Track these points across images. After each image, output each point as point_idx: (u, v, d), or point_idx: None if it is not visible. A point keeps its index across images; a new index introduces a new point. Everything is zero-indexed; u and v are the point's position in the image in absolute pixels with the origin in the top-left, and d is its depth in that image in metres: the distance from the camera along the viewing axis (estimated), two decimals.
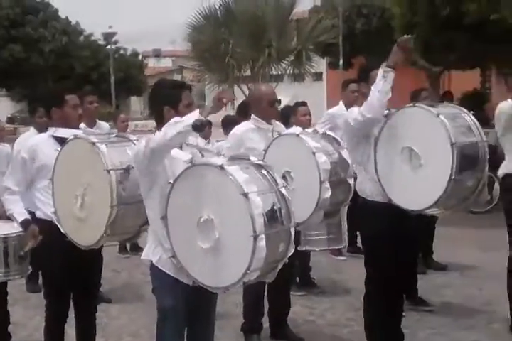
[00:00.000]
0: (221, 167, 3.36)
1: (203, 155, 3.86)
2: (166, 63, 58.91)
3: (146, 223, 4.01)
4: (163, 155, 3.63)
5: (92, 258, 4.54)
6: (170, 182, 3.58)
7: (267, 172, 3.57)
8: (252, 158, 3.65)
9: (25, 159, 4.57)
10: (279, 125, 5.44)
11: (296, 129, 5.08)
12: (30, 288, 7.07)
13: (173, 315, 3.80)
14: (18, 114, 44.24)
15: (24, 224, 4.54)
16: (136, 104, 49.12)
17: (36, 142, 4.68)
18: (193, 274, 3.58)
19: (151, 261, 3.83)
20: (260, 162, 3.65)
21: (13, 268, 4.93)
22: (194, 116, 3.52)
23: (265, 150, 5.01)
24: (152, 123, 20.92)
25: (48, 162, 4.43)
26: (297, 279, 6.70)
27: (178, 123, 3.51)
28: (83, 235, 4.18)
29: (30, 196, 4.66)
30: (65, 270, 4.50)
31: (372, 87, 4.37)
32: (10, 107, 41.75)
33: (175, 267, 3.69)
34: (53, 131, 4.63)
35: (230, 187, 3.31)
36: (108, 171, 3.87)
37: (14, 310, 5.68)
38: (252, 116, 5.38)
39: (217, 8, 19.82)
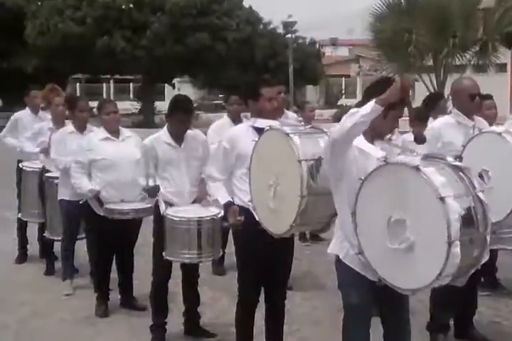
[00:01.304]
0: (417, 168, 3.27)
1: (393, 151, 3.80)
2: (343, 52, 58.71)
3: (336, 214, 4.05)
4: (344, 147, 3.60)
5: (285, 246, 4.62)
6: (361, 179, 3.56)
7: (464, 174, 3.42)
8: (449, 159, 3.50)
9: (227, 148, 4.76)
10: (481, 121, 5.29)
11: (498, 128, 4.90)
12: (217, 271, 7.37)
13: (359, 312, 3.78)
14: (200, 100, 45.97)
15: (226, 205, 4.72)
16: (312, 92, 49.40)
17: (236, 132, 4.87)
18: (379, 272, 3.53)
19: (337, 256, 3.83)
20: (457, 163, 3.50)
21: (206, 251, 5.17)
22: (370, 105, 3.48)
23: (464, 146, 4.88)
24: (328, 112, 21.36)
25: (246, 151, 4.57)
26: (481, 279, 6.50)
27: (356, 114, 3.49)
28: (275, 223, 4.25)
29: (229, 183, 4.85)
30: (258, 256, 4.62)
31: None
32: (192, 94, 43.42)
33: (361, 263, 3.66)
34: (253, 121, 4.78)
35: (426, 190, 3.22)
36: (300, 162, 3.91)
37: (202, 291, 5.89)
38: (454, 110, 5.27)
39: None
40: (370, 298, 3.77)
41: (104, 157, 6.05)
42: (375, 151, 3.67)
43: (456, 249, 3.13)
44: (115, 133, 6.20)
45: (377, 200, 3.49)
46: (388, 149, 3.75)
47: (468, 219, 3.26)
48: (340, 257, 3.80)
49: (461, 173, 3.42)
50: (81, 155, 6.14)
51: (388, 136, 3.93)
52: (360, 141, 3.69)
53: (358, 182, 3.56)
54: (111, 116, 6.15)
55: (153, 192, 5.42)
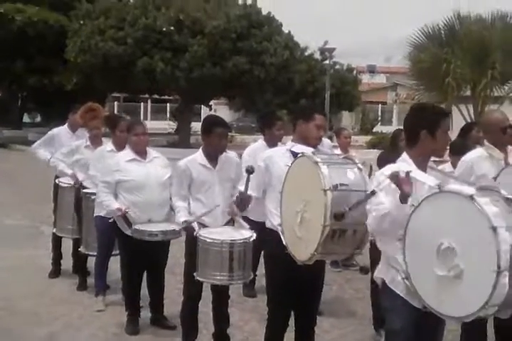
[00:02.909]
0: (471, 197, 3.29)
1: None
2: (380, 79, 58.71)
3: (360, 247, 4.10)
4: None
5: (315, 271, 4.63)
6: (413, 205, 3.60)
7: None
8: (503, 192, 3.56)
9: (261, 167, 4.85)
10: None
11: None
12: (247, 293, 7.37)
13: (400, 338, 3.80)
14: (235, 122, 46.22)
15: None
16: (348, 118, 49.39)
17: (272, 154, 4.94)
18: (425, 299, 3.57)
19: (383, 280, 3.89)
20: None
21: (237, 273, 5.18)
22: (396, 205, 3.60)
23: (495, 178, 4.91)
24: (362, 138, 21.52)
25: (279, 174, 4.65)
26: None
27: (384, 215, 3.64)
28: (299, 250, 4.30)
29: (261, 206, 4.91)
30: (288, 280, 4.66)
31: None
32: (228, 115, 43.75)
33: (407, 289, 3.71)
34: (291, 145, 4.86)
35: (478, 219, 3.24)
36: (325, 191, 3.96)
37: (231, 313, 5.93)
38: (485, 142, 5.31)
39: (440, 27, 19.61)
40: (412, 324, 3.79)
41: (132, 178, 6.11)
42: (428, 179, 3.71)
43: (505, 280, 3.15)
44: (142, 154, 6.26)
45: (428, 227, 3.52)
46: (441, 178, 3.82)
47: None
48: (386, 282, 3.86)
49: None
50: (108, 176, 6.22)
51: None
52: (414, 170, 3.75)
53: (411, 208, 3.61)
54: (140, 138, 6.21)
55: (189, 229, 5.43)
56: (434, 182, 3.62)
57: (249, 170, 4.95)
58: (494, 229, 3.17)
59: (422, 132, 3.83)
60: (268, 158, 4.89)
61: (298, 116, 4.97)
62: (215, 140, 5.46)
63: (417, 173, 3.74)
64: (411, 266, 3.63)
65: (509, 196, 3.52)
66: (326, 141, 7.82)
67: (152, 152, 6.39)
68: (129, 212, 6.05)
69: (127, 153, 6.30)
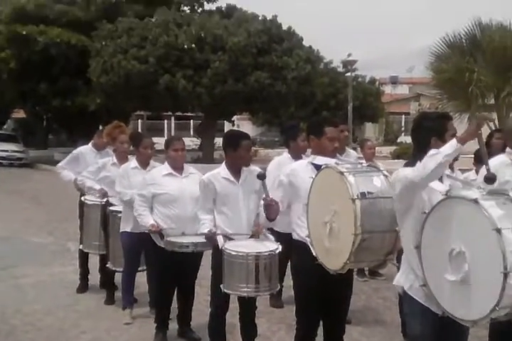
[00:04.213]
0: (475, 201, 3.35)
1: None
2: (403, 90, 58.59)
3: (391, 253, 4.10)
4: (420, 188, 3.70)
5: (343, 280, 4.62)
6: (425, 212, 3.64)
7: None
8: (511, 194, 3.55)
9: (284, 182, 4.85)
10: None
11: None
12: (274, 303, 7.38)
13: None
14: (258, 136, 46.34)
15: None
16: (371, 129, 49.30)
17: (296, 167, 4.96)
18: (442, 304, 3.61)
19: (403, 288, 3.91)
20: None
21: (263, 285, 5.16)
22: (452, 145, 3.56)
23: None
24: (387, 149, 21.47)
25: (303, 187, 4.67)
26: None
27: (437, 155, 3.57)
28: (330, 260, 4.32)
29: (287, 218, 4.92)
30: (316, 290, 4.66)
31: None
32: (251, 130, 43.82)
33: (425, 295, 3.74)
34: (312, 158, 4.88)
35: (482, 222, 3.30)
36: (353, 200, 3.98)
37: (259, 323, 5.91)
38: (507, 149, 5.28)
39: (462, 36, 19.54)
40: (432, 330, 3.82)
41: (167, 191, 6.19)
42: (439, 186, 3.75)
43: None
44: (179, 169, 6.34)
45: (440, 233, 3.57)
46: (456, 185, 3.84)
47: None
48: (405, 289, 3.89)
49: None
50: (144, 189, 6.30)
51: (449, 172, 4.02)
52: None
53: (423, 215, 3.65)
54: (178, 153, 6.29)
55: (211, 239, 5.47)
56: (443, 188, 3.66)
57: (261, 176, 5.06)
58: (498, 230, 3.21)
59: (432, 139, 3.86)
60: (291, 172, 4.91)
61: (309, 132, 4.99)
62: (243, 152, 5.48)
63: None
64: (428, 273, 3.67)
65: None
66: (352, 152, 7.88)
67: (189, 168, 6.46)
68: (163, 225, 6.15)
69: (164, 167, 6.38)
